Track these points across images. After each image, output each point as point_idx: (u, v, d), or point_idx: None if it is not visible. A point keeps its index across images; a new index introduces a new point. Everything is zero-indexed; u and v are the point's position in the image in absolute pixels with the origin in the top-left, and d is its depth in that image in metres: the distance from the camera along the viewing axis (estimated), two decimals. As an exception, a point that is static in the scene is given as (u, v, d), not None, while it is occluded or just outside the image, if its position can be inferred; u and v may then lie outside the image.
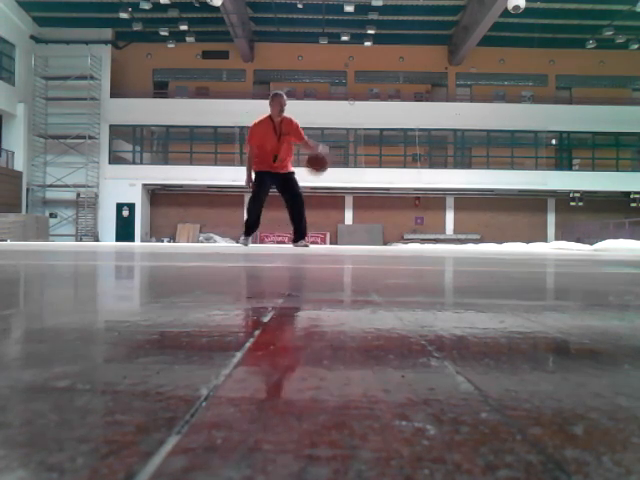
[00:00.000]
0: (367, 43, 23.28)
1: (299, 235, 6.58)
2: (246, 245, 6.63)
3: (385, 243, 21.39)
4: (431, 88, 24.68)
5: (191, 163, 22.02)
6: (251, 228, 6.61)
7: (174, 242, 19.94)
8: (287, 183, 6.60)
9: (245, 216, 6.76)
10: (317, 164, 6.46)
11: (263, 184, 6.53)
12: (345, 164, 23.62)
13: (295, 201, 6.60)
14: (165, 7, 20.35)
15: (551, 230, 23.58)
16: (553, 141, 24.05)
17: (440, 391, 0.37)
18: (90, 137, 22.16)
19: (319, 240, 22.89)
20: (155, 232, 23.24)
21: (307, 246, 6.57)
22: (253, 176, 6.63)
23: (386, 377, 0.41)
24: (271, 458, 0.25)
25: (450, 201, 23.83)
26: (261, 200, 6.57)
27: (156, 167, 22.72)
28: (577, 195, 23.07)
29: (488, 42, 22.12)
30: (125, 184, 22.38)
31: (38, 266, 2.06)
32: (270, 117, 6.50)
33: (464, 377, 0.41)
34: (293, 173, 6.72)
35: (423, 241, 20.54)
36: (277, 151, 6.50)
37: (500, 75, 24.58)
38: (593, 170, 23.10)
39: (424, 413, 0.32)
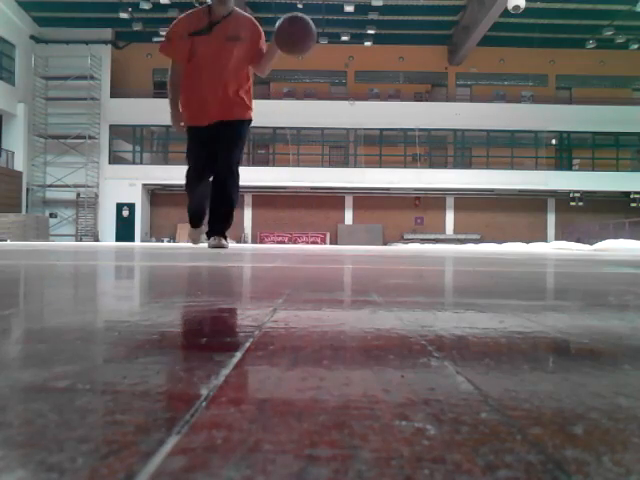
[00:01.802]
0: (367, 43, 23.30)
1: (216, 225, 4.26)
2: (195, 243, 4.66)
3: (385, 243, 21.39)
4: (431, 88, 24.69)
5: (191, 163, 21.99)
6: (195, 218, 4.44)
7: (174, 242, 19.94)
8: (224, 136, 4.04)
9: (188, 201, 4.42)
10: (290, 41, 3.82)
11: (200, 148, 4.11)
12: (345, 164, 23.62)
13: (222, 170, 4.11)
14: (165, 7, 20.36)
15: (551, 230, 23.59)
16: (553, 141, 24.06)
17: (440, 391, 0.37)
18: (90, 137, 22.18)
19: (319, 240, 22.88)
20: (155, 232, 23.25)
21: (225, 246, 4.27)
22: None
23: (386, 377, 0.41)
24: (271, 458, 0.25)
25: (450, 201, 23.84)
26: (202, 174, 4.17)
27: (156, 167, 22.74)
28: (577, 195, 23.09)
29: (488, 42, 22.13)
30: (125, 184, 22.40)
31: (38, 266, 2.06)
32: (209, 8, 3.89)
33: (464, 377, 0.41)
34: (243, 123, 4.13)
35: (423, 241, 20.56)
36: (221, 73, 3.92)
37: (500, 75, 24.58)
38: (593, 170, 23.11)
39: (424, 413, 0.32)
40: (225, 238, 4.34)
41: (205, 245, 4.54)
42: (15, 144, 21.40)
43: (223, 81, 4.00)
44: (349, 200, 23.88)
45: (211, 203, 4.28)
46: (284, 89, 23.95)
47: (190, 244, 4.96)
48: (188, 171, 4.30)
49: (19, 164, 21.49)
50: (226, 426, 0.29)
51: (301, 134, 23.11)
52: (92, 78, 22.20)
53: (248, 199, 22.23)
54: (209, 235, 4.35)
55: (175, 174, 22.00)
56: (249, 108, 4.19)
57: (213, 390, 0.36)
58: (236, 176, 4.22)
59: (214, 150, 4.12)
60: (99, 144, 22.59)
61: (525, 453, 0.26)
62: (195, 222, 4.55)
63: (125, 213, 22.72)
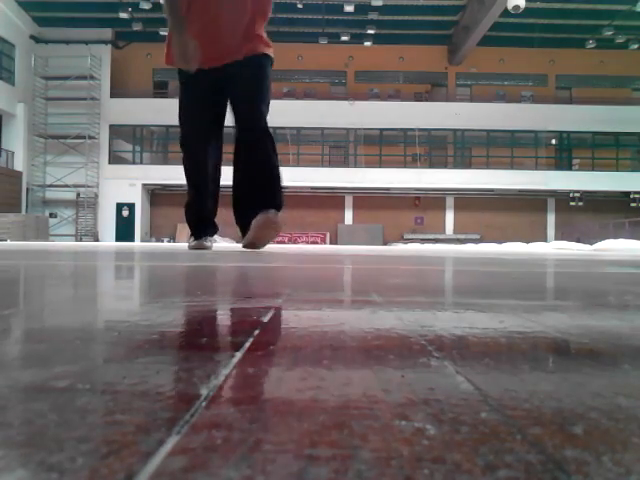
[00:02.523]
0: (367, 43, 23.30)
1: (258, 198, 3.13)
2: (205, 247, 3.48)
3: (385, 243, 21.39)
4: (431, 88, 24.70)
5: (191, 163, 21.97)
6: (198, 223, 3.41)
7: (174, 242, 19.94)
8: (244, 77, 3.08)
9: (188, 197, 3.39)
10: None
11: (204, 99, 3.11)
12: (345, 164, 23.61)
13: (248, 125, 3.11)
14: (165, 7, 20.33)
15: (551, 230, 23.59)
16: (553, 141, 24.07)
17: (440, 391, 0.37)
18: (90, 137, 22.18)
19: (319, 240, 22.88)
20: (155, 232, 23.25)
21: (276, 226, 3.20)
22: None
23: (386, 377, 0.41)
24: (271, 458, 0.25)
25: (450, 201, 23.85)
26: (205, 136, 3.13)
27: (156, 167, 22.74)
28: (577, 195, 23.09)
29: (488, 42, 22.14)
30: (125, 184, 22.40)
31: (38, 266, 2.06)
32: None
33: (464, 377, 0.41)
34: (268, 59, 3.21)
35: (423, 241, 20.56)
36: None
37: (500, 75, 24.58)
38: (593, 170, 23.10)
39: (424, 413, 0.32)
40: (279, 208, 3.15)
41: (215, 247, 3.58)
42: (15, 144, 21.40)
43: (233, 14, 3.04)
44: (349, 200, 23.87)
45: (240, 183, 3.15)
46: (284, 89, 23.94)
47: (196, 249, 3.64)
48: (184, 138, 3.19)
49: (19, 164, 21.49)
50: (226, 426, 0.29)
51: (301, 134, 23.11)
52: (92, 78, 22.20)
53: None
54: (244, 220, 3.14)
55: (175, 174, 22.06)
56: (271, 46, 3.25)
57: (213, 390, 0.36)
58: (270, 134, 3.18)
59: (223, 107, 3.10)
60: (99, 144, 22.59)
61: (525, 453, 0.26)
62: (199, 230, 3.44)
63: (125, 213, 22.72)
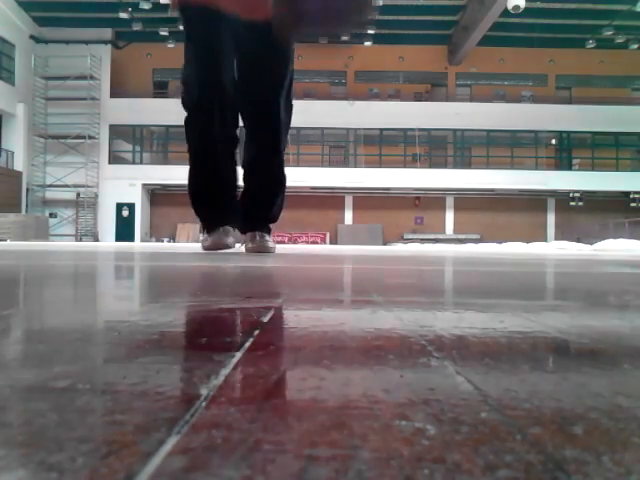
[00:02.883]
0: (367, 43, 23.30)
1: (255, 211, 2.83)
2: (227, 245, 2.93)
3: (385, 243, 21.38)
4: (431, 88, 24.70)
5: (191, 163, 21.95)
6: (213, 200, 2.72)
7: (174, 242, 19.95)
8: (249, 57, 2.57)
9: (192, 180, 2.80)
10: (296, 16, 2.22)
11: (215, 28, 2.44)
12: (345, 164, 23.61)
13: (261, 103, 2.62)
14: (165, 7, 20.36)
15: (551, 230, 23.59)
16: (553, 141, 24.07)
17: (440, 391, 0.37)
18: (90, 137, 22.18)
19: (319, 240, 22.87)
20: (155, 232, 23.24)
21: (271, 250, 2.93)
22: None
23: (386, 377, 0.41)
24: (271, 458, 0.25)
25: (450, 201, 23.85)
26: (221, 73, 2.51)
27: (156, 167, 22.73)
28: (577, 195, 23.10)
29: (488, 42, 22.14)
30: (125, 184, 22.40)
31: (37, 266, 2.06)
32: None
33: (464, 377, 0.41)
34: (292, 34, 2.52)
35: (423, 241, 20.56)
36: None
37: (500, 75, 24.59)
38: (593, 170, 23.11)
39: (424, 413, 0.32)
40: (269, 233, 2.90)
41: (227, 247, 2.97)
42: (15, 144, 21.40)
43: None
44: (349, 200, 23.87)
45: (244, 177, 2.69)
46: (284, 89, 23.91)
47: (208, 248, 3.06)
48: (188, 83, 2.56)
49: (19, 164, 21.48)
50: (226, 426, 0.29)
51: (301, 134, 23.11)
52: (92, 78, 22.21)
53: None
54: (250, 227, 2.82)
55: (175, 174, 22.06)
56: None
57: (213, 390, 0.36)
58: (284, 124, 2.64)
59: (232, 51, 2.47)
60: (99, 144, 22.59)
61: (525, 453, 0.26)
62: (212, 214, 2.75)
63: (125, 213, 22.72)
